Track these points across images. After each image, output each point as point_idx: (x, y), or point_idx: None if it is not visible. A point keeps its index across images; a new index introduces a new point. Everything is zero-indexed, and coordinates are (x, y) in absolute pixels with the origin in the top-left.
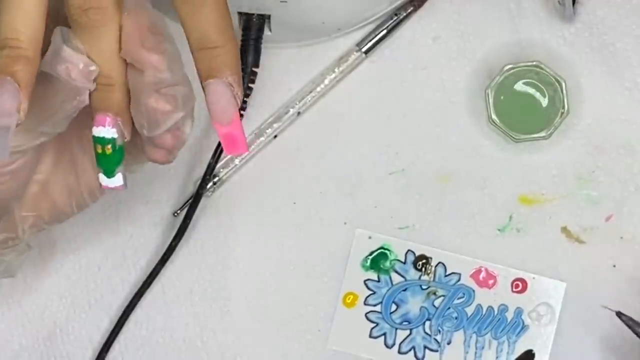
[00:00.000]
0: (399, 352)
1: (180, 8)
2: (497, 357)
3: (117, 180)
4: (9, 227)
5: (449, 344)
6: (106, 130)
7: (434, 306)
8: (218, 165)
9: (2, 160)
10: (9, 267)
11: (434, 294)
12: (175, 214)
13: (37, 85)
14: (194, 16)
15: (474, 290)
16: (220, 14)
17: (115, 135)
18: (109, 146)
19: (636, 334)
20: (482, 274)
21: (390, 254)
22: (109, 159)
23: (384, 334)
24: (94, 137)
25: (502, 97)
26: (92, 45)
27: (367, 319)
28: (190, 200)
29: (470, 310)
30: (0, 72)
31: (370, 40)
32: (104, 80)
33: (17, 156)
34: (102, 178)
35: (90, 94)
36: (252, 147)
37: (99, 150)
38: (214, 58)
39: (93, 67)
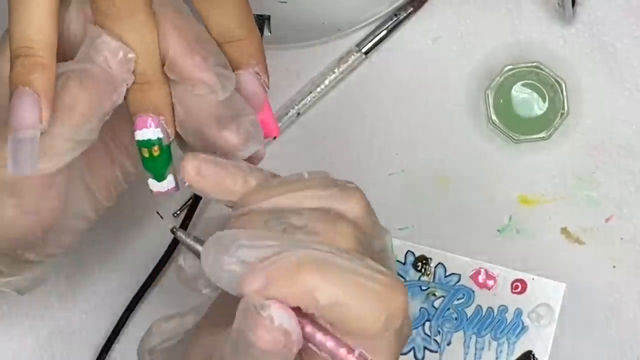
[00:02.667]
0: None
1: (199, 3)
2: (496, 358)
3: (169, 182)
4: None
5: (448, 344)
6: (150, 131)
7: (434, 307)
8: None
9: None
10: (19, 284)
11: (434, 294)
12: (175, 215)
13: (67, 89)
14: (215, 11)
15: (473, 291)
16: (240, 5)
17: (161, 135)
18: (156, 147)
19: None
20: (482, 275)
21: None
22: (157, 161)
23: None
24: (137, 141)
25: (502, 98)
26: (122, 39)
27: None
28: (190, 201)
29: (469, 311)
30: (17, 82)
31: (370, 41)
32: (139, 79)
33: (58, 166)
34: (153, 184)
35: (125, 98)
36: None
37: (146, 154)
38: (239, 51)
39: (131, 55)
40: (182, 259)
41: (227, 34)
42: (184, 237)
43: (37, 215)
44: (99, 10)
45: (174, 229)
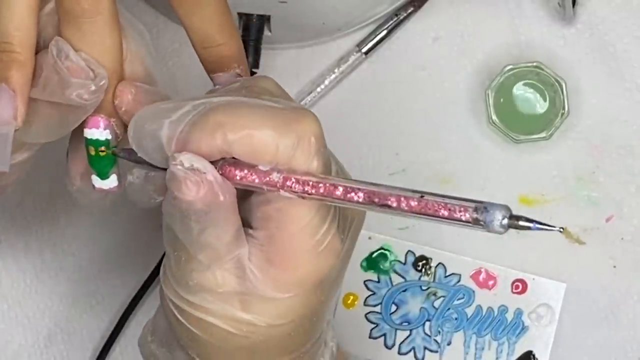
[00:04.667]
0: (399, 352)
1: (178, 9)
2: (497, 358)
3: (112, 181)
4: None
5: (448, 344)
6: (99, 132)
7: (434, 307)
8: None
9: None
10: None
11: (434, 294)
12: None
13: (45, 113)
14: (194, 16)
15: (474, 291)
16: (220, 10)
17: (109, 137)
18: (103, 148)
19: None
20: (482, 275)
21: (390, 254)
22: (102, 160)
23: (384, 335)
24: (86, 139)
25: (502, 98)
26: (83, 41)
27: (367, 319)
28: None
29: (470, 311)
30: None
31: (371, 41)
32: None
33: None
34: (96, 180)
35: None
36: None
37: (92, 153)
38: (219, 55)
39: (103, 82)
40: (130, 175)
41: (207, 39)
42: (125, 154)
43: None
44: (63, 7)
45: (115, 152)
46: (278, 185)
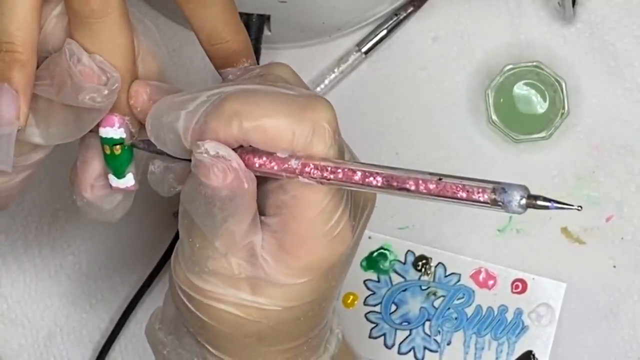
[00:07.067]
0: (399, 352)
1: (184, 7)
2: (497, 358)
3: (128, 180)
4: None
5: (448, 344)
6: (114, 130)
7: (434, 307)
8: None
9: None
10: None
11: (434, 294)
12: (175, 214)
13: (62, 114)
14: (201, 14)
15: (473, 291)
16: (226, 7)
17: (124, 135)
18: (118, 146)
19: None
20: (482, 275)
21: (390, 254)
22: (118, 159)
23: (384, 335)
24: (101, 138)
25: (502, 98)
26: (94, 41)
27: (367, 319)
28: None
29: (470, 310)
30: None
31: (370, 41)
32: None
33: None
34: (112, 179)
35: None
36: None
37: (107, 151)
38: (227, 51)
39: (116, 85)
40: (151, 164)
41: (214, 36)
42: (144, 146)
43: None
44: (72, 9)
45: (134, 144)
46: (297, 171)
